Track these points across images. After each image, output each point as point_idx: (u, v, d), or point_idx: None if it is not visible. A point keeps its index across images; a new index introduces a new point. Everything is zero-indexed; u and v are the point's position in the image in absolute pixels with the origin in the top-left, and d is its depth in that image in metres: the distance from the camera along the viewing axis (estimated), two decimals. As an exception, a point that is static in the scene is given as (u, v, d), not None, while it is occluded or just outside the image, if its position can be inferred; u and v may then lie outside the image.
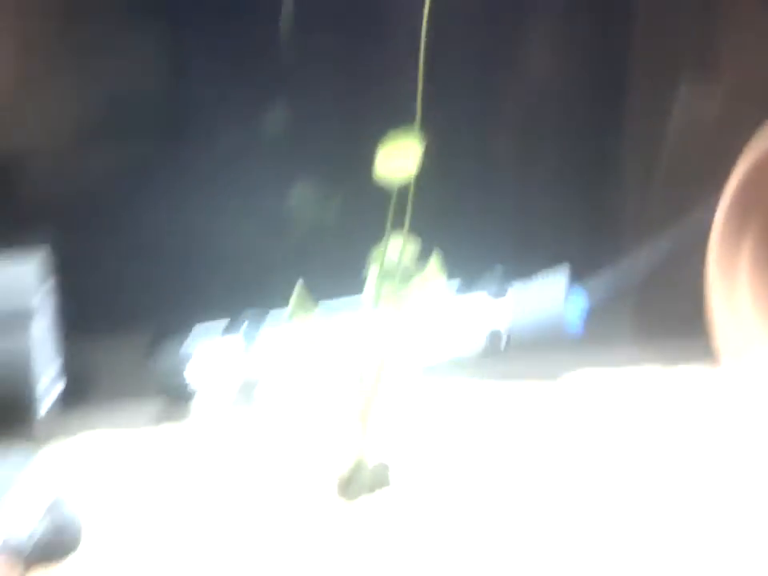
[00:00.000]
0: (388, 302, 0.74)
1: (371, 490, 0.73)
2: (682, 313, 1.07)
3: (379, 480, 0.74)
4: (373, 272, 0.75)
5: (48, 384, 0.77)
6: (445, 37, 0.81)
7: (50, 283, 0.80)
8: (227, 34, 1.00)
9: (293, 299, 0.72)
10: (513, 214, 1.09)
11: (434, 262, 0.77)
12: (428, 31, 0.68)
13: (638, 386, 1.03)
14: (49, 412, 0.77)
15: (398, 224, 0.75)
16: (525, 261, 1.01)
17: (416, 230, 0.76)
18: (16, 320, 0.73)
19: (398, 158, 0.67)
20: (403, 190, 0.71)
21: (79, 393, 0.85)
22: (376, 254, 0.73)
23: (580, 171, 1.11)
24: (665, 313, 1.16)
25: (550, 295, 0.98)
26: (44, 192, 0.97)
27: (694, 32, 1.17)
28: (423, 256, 0.78)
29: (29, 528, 0.65)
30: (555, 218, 1.08)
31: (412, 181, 0.69)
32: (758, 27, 1.17)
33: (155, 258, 0.98)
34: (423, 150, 0.69)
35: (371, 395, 0.74)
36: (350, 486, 0.73)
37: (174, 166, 1.00)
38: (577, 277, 1.01)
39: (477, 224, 1.06)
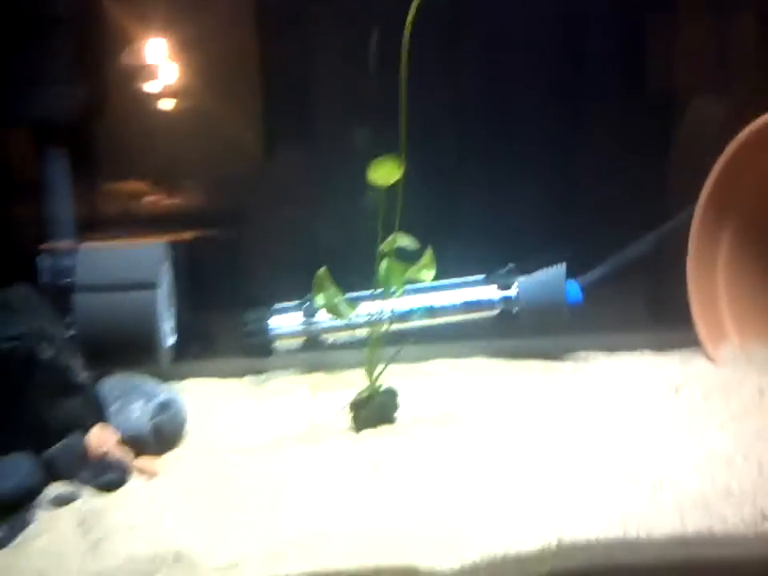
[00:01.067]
0: (392, 283, 1.02)
1: (377, 414, 1.01)
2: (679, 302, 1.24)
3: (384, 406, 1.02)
4: (381, 262, 1.03)
5: (165, 337, 1.11)
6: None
7: (169, 264, 1.14)
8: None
9: (314, 281, 1.01)
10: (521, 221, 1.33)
11: (428, 254, 1.04)
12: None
13: (630, 367, 1.22)
14: (164, 358, 1.10)
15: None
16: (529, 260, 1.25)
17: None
18: (145, 287, 1.07)
19: (384, 172, 0.96)
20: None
21: (186, 348, 1.19)
22: (382, 248, 1.02)
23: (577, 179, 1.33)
24: (663, 302, 1.35)
25: (551, 278, 1.22)
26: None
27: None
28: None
29: (144, 422, 0.98)
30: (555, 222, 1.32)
31: (400, 191, 0.97)
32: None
33: (249, 257, 1.32)
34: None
35: (377, 349, 1.02)
36: (360, 410, 1.02)
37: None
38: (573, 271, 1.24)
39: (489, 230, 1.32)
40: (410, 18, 0.92)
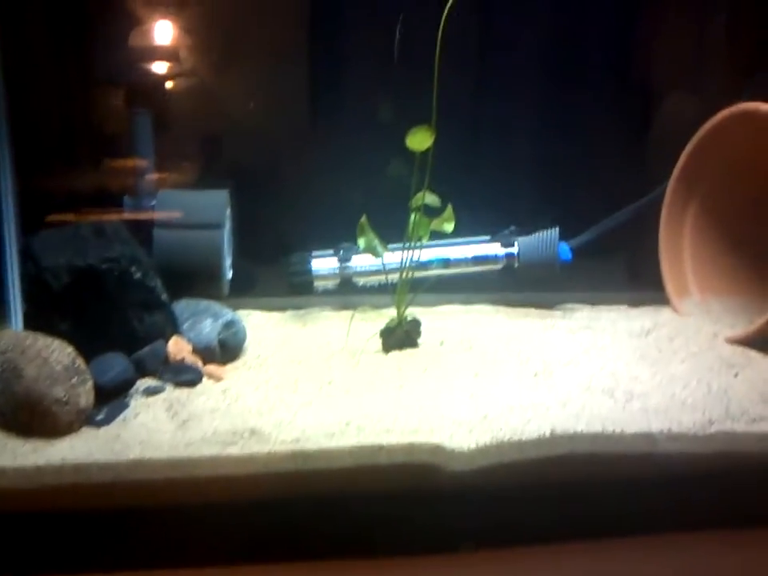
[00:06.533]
0: (420, 232, 1.19)
1: (403, 339, 1.18)
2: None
3: (409, 333, 1.19)
4: (411, 215, 1.19)
5: (226, 272, 1.27)
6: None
7: (231, 209, 1.29)
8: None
9: (358, 227, 1.18)
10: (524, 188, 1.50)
11: (448, 210, 1.20)
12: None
13: (610, 316, 1.40)
14: (223, 289, 1.26)
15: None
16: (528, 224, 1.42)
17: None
18: (213, 227, 1.23)
19: (418, 139, 1.11)
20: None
21: (238, 283, 1.35)
22: (411, 202, 1.18)
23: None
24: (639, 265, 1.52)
25: (546, 239, 1.39)
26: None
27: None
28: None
29: (212, 337, 1.14)
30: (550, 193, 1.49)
31: (430, 155, 1.13)
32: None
33: (294, 209, 1.47)
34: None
35: (405, 285, 1.19)
36: (389, 335, 1.18)
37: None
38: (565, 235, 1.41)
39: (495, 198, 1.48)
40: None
